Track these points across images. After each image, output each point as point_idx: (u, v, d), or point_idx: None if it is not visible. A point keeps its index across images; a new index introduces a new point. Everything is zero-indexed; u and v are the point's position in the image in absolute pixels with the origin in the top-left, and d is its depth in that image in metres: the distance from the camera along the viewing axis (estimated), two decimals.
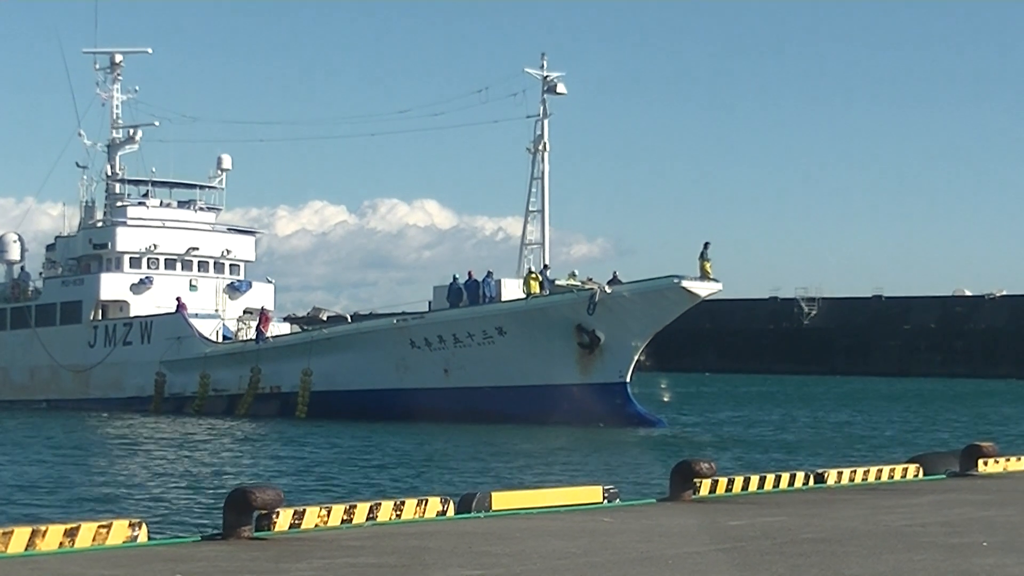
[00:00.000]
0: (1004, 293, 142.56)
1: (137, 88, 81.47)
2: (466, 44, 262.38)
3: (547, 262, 65.22)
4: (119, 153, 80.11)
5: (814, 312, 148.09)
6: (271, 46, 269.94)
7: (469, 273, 64.13)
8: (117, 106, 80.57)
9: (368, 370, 64.03)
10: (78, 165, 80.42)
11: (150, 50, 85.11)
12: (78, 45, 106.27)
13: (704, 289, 60.00)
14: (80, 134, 79.80)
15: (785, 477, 21.71)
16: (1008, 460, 25.05)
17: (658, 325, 61.07)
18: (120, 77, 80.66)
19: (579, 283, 61.63)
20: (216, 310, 74.05)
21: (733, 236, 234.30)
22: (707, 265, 59.92)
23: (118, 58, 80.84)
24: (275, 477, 35.89)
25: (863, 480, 22.77)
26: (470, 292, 63.15)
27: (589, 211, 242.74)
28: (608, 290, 59.92)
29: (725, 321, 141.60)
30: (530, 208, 66.56)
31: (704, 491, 20.01)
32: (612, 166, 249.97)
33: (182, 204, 79.09)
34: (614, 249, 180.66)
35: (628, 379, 61.13)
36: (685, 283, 59.26)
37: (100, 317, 75.45)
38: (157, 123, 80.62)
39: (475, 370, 61.68)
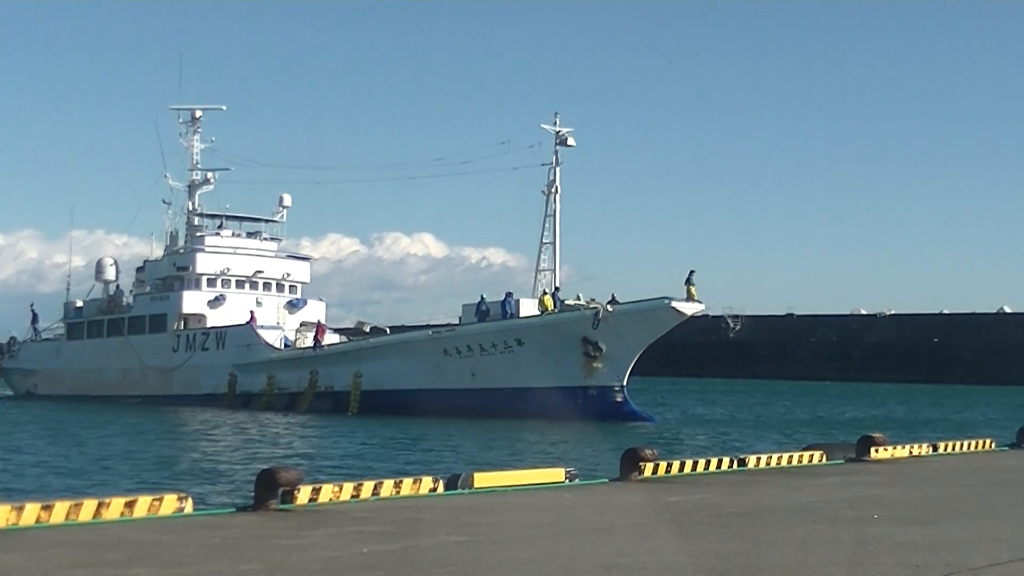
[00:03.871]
0: (892, 312, 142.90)
1: (214, 139, 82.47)
2: (492, 103, 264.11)
3: (558, 285, 65.87)
4: (198, 192, 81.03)
5: (739, 327, 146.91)
6: (326, 103, 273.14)
7: (506, 294, 64.63)
8: (197, 153, 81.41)
9: (407, 373, 64.43)
10: (164, 202, 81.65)
11: (224, 107, 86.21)
12: (165, 102, 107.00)
13: (690, 309, 60.73)
14: (166, 176, 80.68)
15: (714, 461, 21.85)
16: (895, 448, 25.46)
17: (651, 338, 61.67)
18: (199, 129, 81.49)
19: (585, 303, 62.25)
20: (278, 323, 74.81)
21: (672, 263, 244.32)
22: (692, 289, 60.71)
23: (198, 113, 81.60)
24: (306, 460, 36.28)
25: (778, 464, 22.93)
26: (502, 309, 63.65)
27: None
28: (610, 309, 60.55)
29: (666, 334, 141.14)
30: (544, 241, 67.46)
31: (647, 473, 20.14)
32: (569, 201, 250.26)
33: (250, 235, 79.86)
34: (577, 275, 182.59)
35: (625, 382, 61.78)
36: (675, 303, 60.05)
37: (182, 327, 76.24)
38: (232, 168, 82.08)
39: (497, 374, 62.18)
